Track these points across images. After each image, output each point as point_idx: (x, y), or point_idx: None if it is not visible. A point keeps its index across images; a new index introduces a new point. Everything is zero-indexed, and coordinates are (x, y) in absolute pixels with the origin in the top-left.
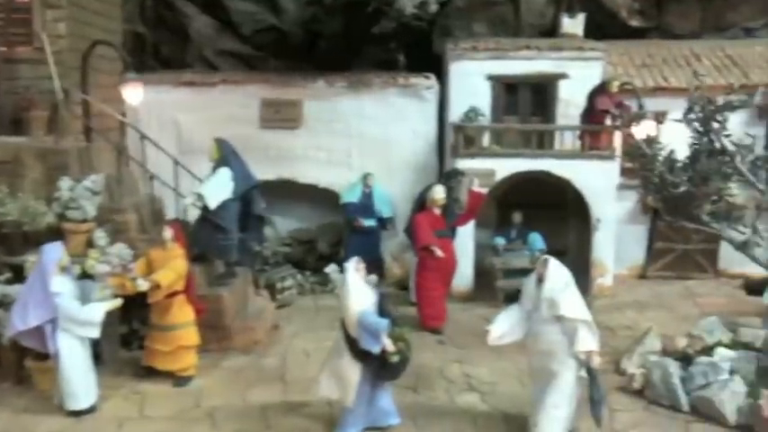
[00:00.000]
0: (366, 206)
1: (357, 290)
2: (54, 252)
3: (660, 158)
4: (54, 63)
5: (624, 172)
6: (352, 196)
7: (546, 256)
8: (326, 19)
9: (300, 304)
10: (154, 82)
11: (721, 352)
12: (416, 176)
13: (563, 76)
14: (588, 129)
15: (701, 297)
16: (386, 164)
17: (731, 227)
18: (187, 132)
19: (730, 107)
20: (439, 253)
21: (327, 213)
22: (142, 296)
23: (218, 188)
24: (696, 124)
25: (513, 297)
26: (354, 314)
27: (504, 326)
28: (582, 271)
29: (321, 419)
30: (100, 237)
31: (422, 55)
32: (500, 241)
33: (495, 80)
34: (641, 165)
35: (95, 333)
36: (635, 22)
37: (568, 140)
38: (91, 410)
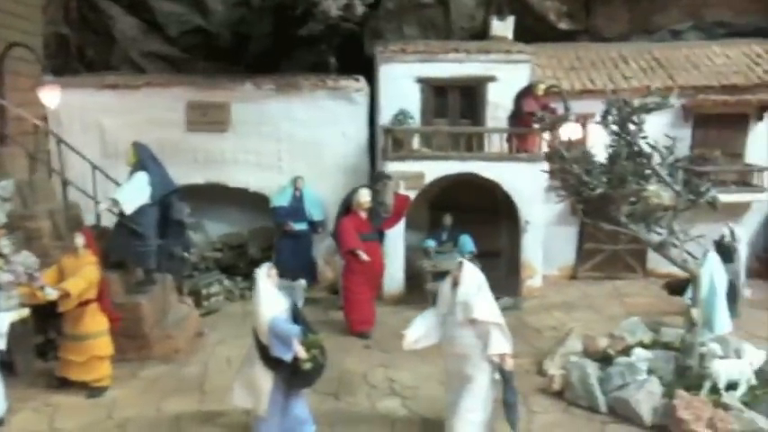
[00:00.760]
0: (297, 209)
1: (268, 296)
2: None
3: (578, 160)
4: None
5: (553, 174)
6: (282, 200)
7: (461, 260)
8: (255, 21)
9: (228, 310)
10: (76, 85)
11: (639, 352)
12: (348, 179)
13: (491, 78)
14: (515, 131)
15: (628, 297)
16: (316, 167)
17: (650, 228)
18: (111, 136)
19: (646, 109)
20: (364, 257)
21: (258, 217)
22: (57, 305)
23: (135, 193)
24: (614, 126)
25: None
26: (265, 321)
27: (420, 330)
28: (514, 273)
29: (237, 429)
30: (4, 245)
31: (355, 58)
32: (430, 244)
33: (425, 83)
34: (560, 167)
35: (1, 344)
36: (563, 25)
37: (497, 143)
38: None
